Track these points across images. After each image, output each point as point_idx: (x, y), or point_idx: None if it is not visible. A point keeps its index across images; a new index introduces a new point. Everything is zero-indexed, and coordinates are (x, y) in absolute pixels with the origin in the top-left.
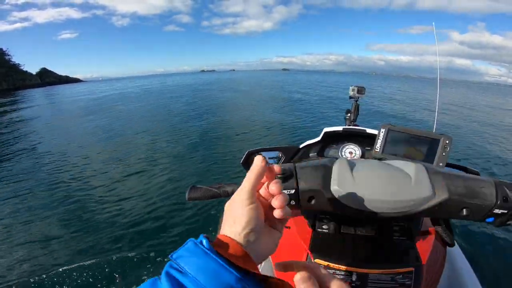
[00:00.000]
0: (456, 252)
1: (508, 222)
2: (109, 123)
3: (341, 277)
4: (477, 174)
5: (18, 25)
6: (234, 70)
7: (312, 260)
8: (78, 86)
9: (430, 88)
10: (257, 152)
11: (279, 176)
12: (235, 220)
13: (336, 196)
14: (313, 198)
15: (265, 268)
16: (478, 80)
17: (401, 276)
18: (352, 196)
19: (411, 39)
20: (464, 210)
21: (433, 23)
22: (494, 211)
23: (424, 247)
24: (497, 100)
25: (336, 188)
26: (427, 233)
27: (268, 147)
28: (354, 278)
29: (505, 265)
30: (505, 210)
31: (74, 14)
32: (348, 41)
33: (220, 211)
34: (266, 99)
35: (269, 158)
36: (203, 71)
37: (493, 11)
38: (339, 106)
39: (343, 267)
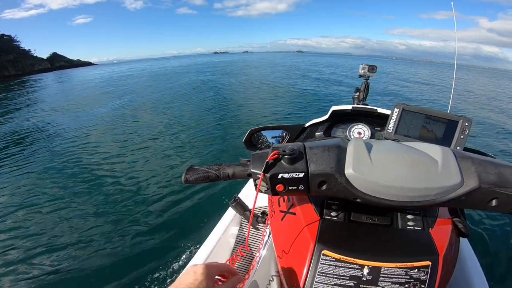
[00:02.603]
0: (462, 241)
1: None
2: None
3: (351, 270)
4: (493, 158)
5: (33, 12)
6: (247, 52)
7: (320, 252)
8: (87, 70)
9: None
10: (260, 130)
11: (287, 157)
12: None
13: (351, 182)
14: (324, 183)
15: (266, 258)
16: (506, 68)
17: (416, 270)
18: (369, 181)
19: (435, 25)
20: (494, 200)
21: (452, 2)
22: None
23: (441, 238)
24: None
25: (351, 172)
26: (442, 223)
27: (271, 125)
28: (365, 271)
29: (508, 254)
30: None
31: None
32: (366, 24)
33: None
34: (273, 79)
35: (273, 137)
36: (216, 53)
37: None
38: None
39: (353, 260)
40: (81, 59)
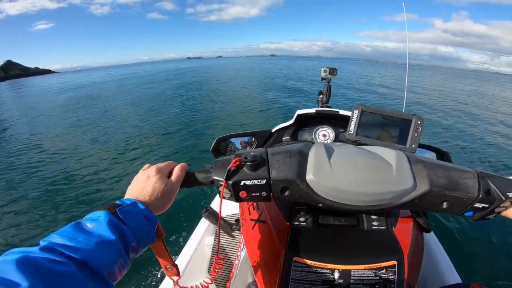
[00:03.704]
0: (430, 237)
1: (488, 217)
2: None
3: (323, 275)
4: (447, 154)
5: None
6: (221, 56)
7: (291, 259)
8: (41, 79)
9: (413, 74)
10: (227, 138)
11: (249, 163)
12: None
13: (312, 187)
14: (286, 189)
15: (243, 266)
16: (461, 67)
17: (384, 270)
18: (329, 187)
19: (396, 27)
20: (445, 203)
21: (403, 3)
22: (475, 205)
23: (404, 236)
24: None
25: (312, 178)
26: (404, 221)
27: (238, 132)
28: (336, 275)
29: (478, 247)
30: (486, 204)
31: (49, 4)
32: (335, 27)
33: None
34: (244, 85)
35: (241, 143)
36: (189, 58)
37: (477, 0)
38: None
39: (324, 265)
40: (39, 67)
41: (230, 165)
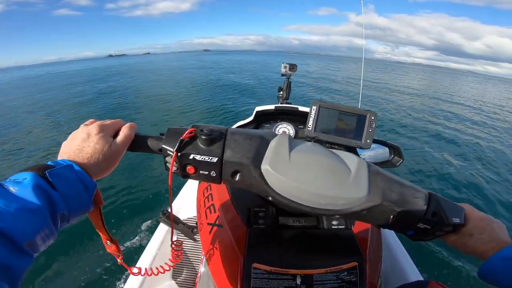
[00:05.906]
0: (387, 231)
1: (426, 238)
2: None
3: (285, 281)
4: (399, 149)
5: None
6: (149, 53)
7: (250, 266)
8: None
9: (335, 65)
10: None
11: (204, 137)
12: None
13: (265, 177)
14: (238, 173)
15: (206, 273)
16: (370, 57)
17: (345, 273)
18: (281, 180)
19: (319, 21)
20: (390, 218)
21: (361, 1)
22: (418, 225)
23: (363, 233)
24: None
25: (267, 167)
26: None
27: None
28: (298, 281)
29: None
30: (429, 225)
31: None
32: (265, 21)
33: None
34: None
35: None
36: (110, 56)
37: None
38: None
39: (285, 270)
40: None
41: (184, 136)
